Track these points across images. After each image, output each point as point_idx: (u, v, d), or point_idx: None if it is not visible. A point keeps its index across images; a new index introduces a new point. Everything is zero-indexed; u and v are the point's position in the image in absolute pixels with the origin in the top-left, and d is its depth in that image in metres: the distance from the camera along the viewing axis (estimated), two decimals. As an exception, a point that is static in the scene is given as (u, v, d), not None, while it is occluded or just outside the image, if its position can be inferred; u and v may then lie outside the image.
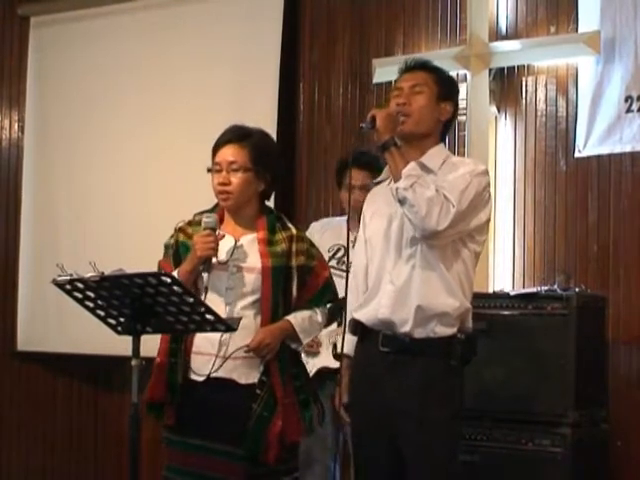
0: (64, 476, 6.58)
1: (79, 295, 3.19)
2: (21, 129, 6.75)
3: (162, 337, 3.52)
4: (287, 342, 3.49)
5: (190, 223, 3.58)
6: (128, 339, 3.19)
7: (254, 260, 3.48)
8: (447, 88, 3.41)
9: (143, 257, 5.34)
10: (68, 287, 3.16)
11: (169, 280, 3.07)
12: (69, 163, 6.45)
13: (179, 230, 3.59)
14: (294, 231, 3.57)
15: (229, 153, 3.51)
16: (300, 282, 3.50)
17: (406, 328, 3.21)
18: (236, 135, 3.55)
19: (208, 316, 3.17)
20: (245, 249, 3.51)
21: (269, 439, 3.38)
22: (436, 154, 3.35)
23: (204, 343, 3.45)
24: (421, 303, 3.20)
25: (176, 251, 3.56)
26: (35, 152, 6.65)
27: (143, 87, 6.19)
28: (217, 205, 3.60)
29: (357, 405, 3.35)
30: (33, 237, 6.59)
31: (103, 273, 3.13)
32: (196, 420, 3.43)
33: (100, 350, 5.91)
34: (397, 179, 3.19)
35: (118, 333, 3.26)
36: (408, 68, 3.42)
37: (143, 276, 3.07)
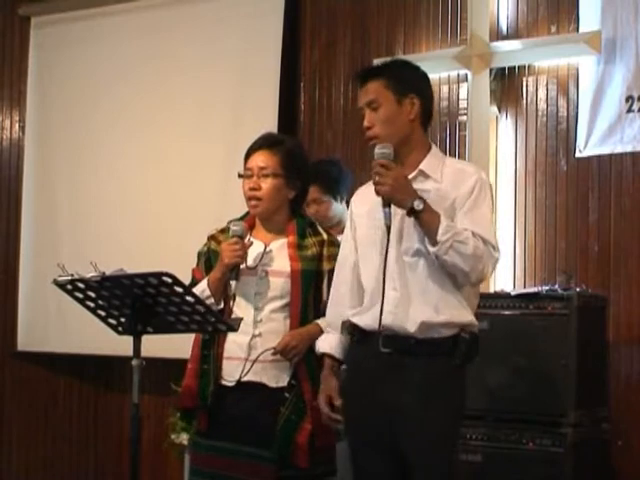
0: (64, 476, 6.58)
1: (80, 295, 3.19)
2: (22, 129, 6.74)
3: (194, 343, 3.54)
4: None
5: (222, 231, 3.59)
6: (128, 339, 3.19)
7: (283, 264, 3.48)
8: (402, 83, 3.18)
9: (144, 257, 5.35)
10: (69, 287, 3.16)
11: (170, 280, 3.07)
12: (70, 163, 6.45)
13: (211, 238, 3.61)
14: (325, 236, 3.57)
15: (260, 159, 3.52)
16: (331, 286, 3.46)
17: (408, 332, 3.14)
18: (268, 141, 3.56)
19: (209, 316, 3.17)
20: (274, 254, 3.51)
21: (298, 442, 3.38)
22: (434, 164, 3.22)
23: (234, 348, 3.46)
24: (425, 315, 3.12)
25: (207, 259, 3.57)
26: (36, 152, 6.64)
27: (144, 87, 6.19)
28: (248, 212, 3.59)
29: (355, 409, 3.25)
30: (34, 237, 6.59)
31: (104, 273, 3.13)
32: (226, 424, 3.43)
33: (100, 350, 5.91)
34: (432, 243, 3.05)
35: (119, 333, 3.26)
36: (360, 83, 3.25)
37: (144, 276, 3.08)
